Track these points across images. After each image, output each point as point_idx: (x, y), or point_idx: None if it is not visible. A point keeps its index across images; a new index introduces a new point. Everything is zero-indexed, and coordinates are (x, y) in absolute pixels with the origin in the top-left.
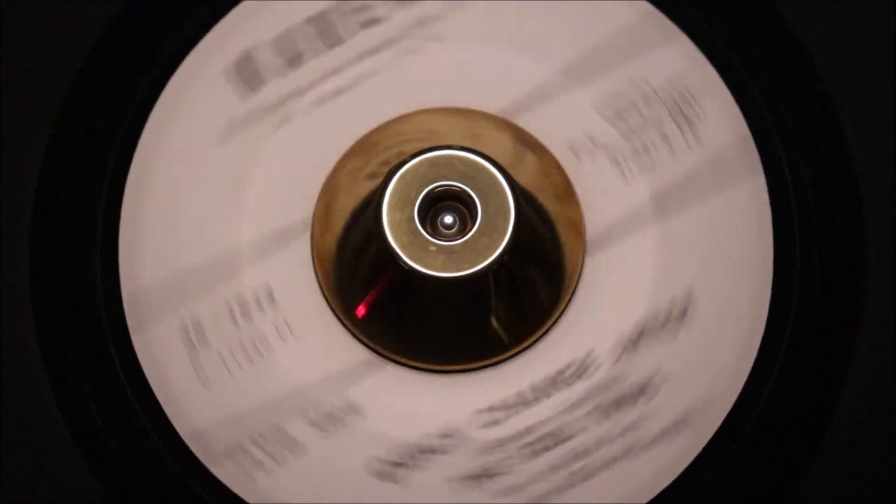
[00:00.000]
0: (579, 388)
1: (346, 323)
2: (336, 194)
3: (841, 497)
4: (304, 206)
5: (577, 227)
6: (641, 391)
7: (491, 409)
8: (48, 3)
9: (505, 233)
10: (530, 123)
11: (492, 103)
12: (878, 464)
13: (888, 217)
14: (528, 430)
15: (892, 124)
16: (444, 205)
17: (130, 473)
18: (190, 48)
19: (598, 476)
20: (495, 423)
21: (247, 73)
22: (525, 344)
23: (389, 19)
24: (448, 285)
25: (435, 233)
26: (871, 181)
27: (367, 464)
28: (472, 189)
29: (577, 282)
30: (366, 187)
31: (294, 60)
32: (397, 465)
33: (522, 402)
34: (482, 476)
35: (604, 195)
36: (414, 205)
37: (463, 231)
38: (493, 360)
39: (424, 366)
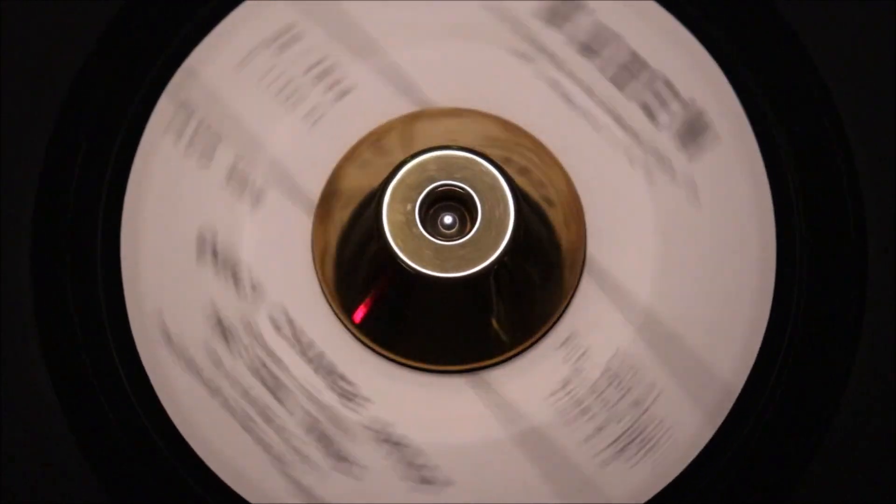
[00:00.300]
0: (330, 398)
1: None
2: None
3: (841, 497)
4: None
5: (577, 238)
6: (338, 457)
7: (291, 323)
8: (48, 3)
9: (505, 233)
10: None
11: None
12: (878, 464)
13: (888, 217)
14: (274, 358)
15: (892, 124)
16: (444, 205)
17: (130, 473)
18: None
19: (245, 437)
20: (277, 328)
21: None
22: (525, 344)
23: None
24: (448, 285)
25: (435, 233)
26: (871, 181)
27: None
28: (472, 189)
29: (578, 282)
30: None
31: (588, 49)
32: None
33: (303, 346)
34: (222, 334)
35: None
36: (414, 205)
37: (463, 231)
38: (494, 360)
39: (424, 366)
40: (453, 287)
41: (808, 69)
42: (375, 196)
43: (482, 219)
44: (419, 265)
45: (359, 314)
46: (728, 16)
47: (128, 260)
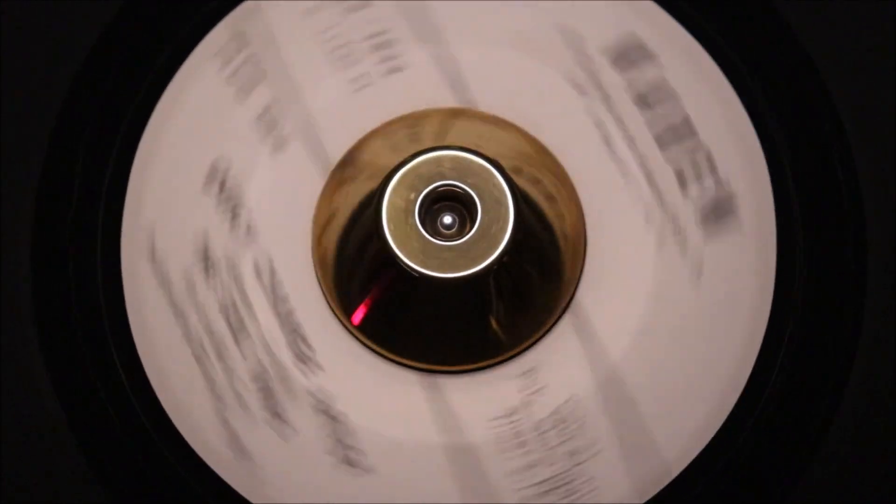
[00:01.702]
0: (285, 355)
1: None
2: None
3: (841, 497)
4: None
5: (577, 226)
6: (273, 413)
7: (273, 273)
8: (48, 3)
9: (505, 233)
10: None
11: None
12: (879, 464)
13: (888, 217)
14: (245, 301)
15: (892, 124)
16: (444, 205)
17: (130, 473)
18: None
19: (194, 368)
20: (258, 274)
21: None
22: (525, 344)
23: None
24: (448, 285)
25: (435, 233)
26: (871, 181)
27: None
28: (472, 189)
29: (578, 280)
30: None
31: (643, 100)
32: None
33: (276, 299)
34: (204, 264)
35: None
36: (414, 205)
37: (463, 231)
38: (493, 360)
39: (424, 366)
40: (453, 287)
41: (808, 69)
42: (375, 196)
43: (482, 219)
44: (419, 265)
45: (358, 314)
46: (728, 16)
47: (135, 182)
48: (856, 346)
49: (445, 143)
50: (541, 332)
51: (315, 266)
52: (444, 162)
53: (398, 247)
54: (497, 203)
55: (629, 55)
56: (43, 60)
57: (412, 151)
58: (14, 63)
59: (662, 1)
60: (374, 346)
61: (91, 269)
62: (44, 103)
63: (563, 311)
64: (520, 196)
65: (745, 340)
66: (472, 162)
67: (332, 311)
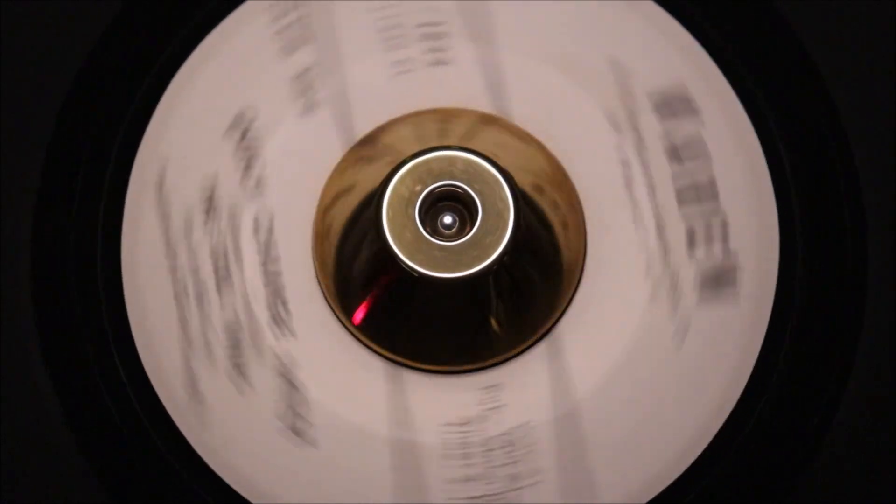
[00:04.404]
0: (262, 313)
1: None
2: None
3: (841, 497)
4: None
5: (578, 225)
6: (236, 366)
7: (270, 231)
8: (48, 3)
9: (505, 233)
10: None
11: None
12: (879, 464)
13: (888, 217)
14: (237, 253)
15: (892, 124)
16: (444, 205)
17: (130, 473)
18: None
19: (171, 306)
20: (256, 229)
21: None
22: (525, 344)
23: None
24: (448, 285)
25: (435, 233)
26: (872, 181)
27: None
28: (472, 189)
29: (578, 281)
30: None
31: (675, 153)
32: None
33: (268, 257)
34: (206, 207)
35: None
36: (414, 205)
37: (463, 231)
38: (493, 360)
39: (424, 366)
40: (453, 287)
41: (808, 69)
42: (375, 196)
43: (482, 219)
44: (419, 265)
45: (358, 314)
46: (728, 16)
47: (160, 114)
48: (856, 346)
49: (453, 144)
50: (543, 330)
51: (315, 268)
52: (444, 162)
53: (398, 247)
54: (497, 203)
55: (673, 105)
56: (43, 60)
57: (432, 146)
58: (14, 63)
59: (664, 1)
60: (372, 344)
61: (91, 268)
62: (44, 103)
63: (567, 307)
64: (520, 196)
65: (712, 414)
66: (472, 162)
67: (336, 314)
